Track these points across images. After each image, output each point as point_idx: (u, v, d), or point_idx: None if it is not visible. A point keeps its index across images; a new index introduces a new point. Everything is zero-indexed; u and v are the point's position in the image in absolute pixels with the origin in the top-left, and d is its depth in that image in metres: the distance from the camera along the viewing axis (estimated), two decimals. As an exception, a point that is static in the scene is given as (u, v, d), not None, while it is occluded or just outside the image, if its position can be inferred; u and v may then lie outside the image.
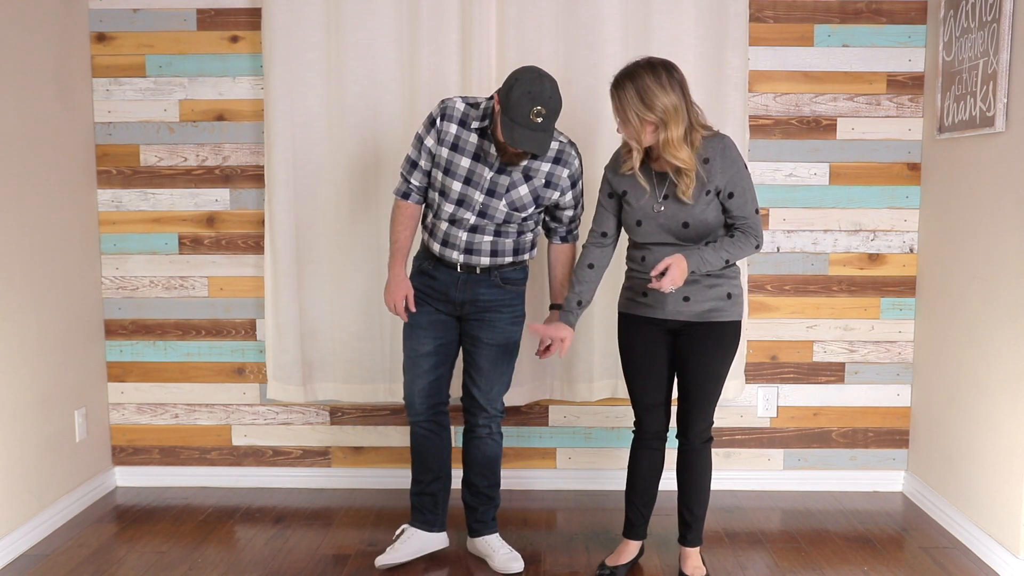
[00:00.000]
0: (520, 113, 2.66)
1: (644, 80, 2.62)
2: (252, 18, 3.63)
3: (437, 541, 3.14)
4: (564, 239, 3.06)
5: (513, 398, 3.65)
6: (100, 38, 3.67)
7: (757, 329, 3.76)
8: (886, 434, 3.81)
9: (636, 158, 2.71)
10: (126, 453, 3.88)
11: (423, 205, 3.02)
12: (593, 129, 3.49)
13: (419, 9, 3.48)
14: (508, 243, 2.95)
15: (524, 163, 2.86)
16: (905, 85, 3.65)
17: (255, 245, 3.76)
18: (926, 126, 3.63)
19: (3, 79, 3.11)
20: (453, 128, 2.86)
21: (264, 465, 3.87)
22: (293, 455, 3.87)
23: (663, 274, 2.63)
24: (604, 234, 2.90)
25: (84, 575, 3.02)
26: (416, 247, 3.14)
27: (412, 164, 2.94)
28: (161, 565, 3.10)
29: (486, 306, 2.97)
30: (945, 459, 3.47)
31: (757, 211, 2.75)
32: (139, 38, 3.66)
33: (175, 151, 3.73)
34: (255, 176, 3.72)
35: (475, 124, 2.85)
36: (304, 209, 3.62)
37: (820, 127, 3.67)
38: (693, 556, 2.98)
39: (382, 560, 3.04)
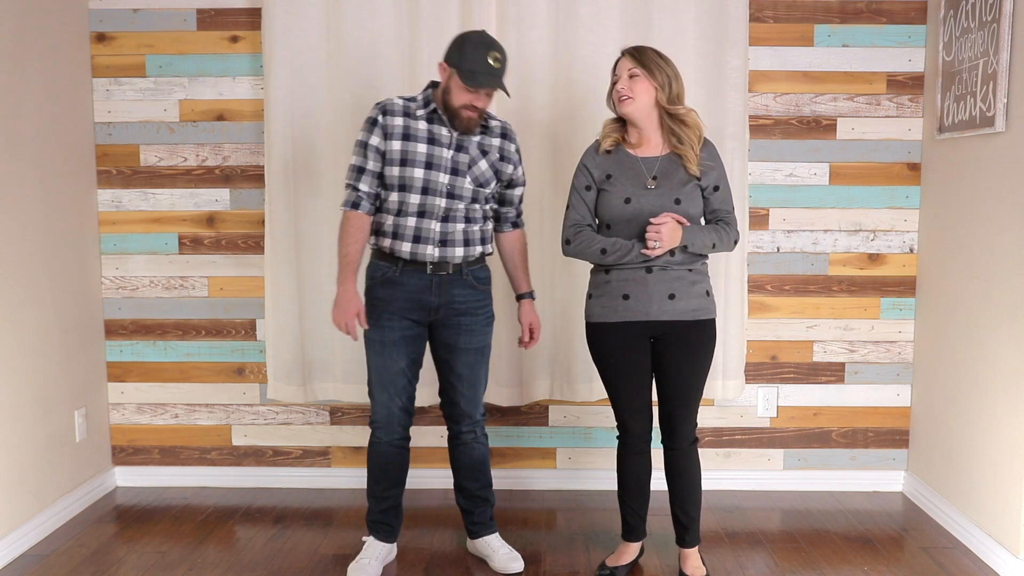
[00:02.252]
0: (479, 61, 2.79)
1: (655, 50, 2.83)
2: (252, 18, 3.63)
3: (393, 552, 3.13)
4: (515, 224, 3.07)
5: (512, 398, 3.66)
6: (100, 38, 3.67)
7: (757, 329, 3.76)
8: (886, 434, 3.81)
9: (643, 101, 2.75)
10: (126, 453, 3.88)
11: (372, 217, 2.93)
12: (593, 129, 3.48)
13: (419, 9, 3.48)
14: (476, 231, 2.94)
15: (478, 138, 2.91)
16: (905, 85, 3.65)
17: (255, 245, 3.76)
18: (926, 126, 3.63)
19: (3, 79, 3.11)
20: (399, 120, 2.87)
21: (264, 465, 3.87)
22: (293, 455, 3.87)
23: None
24: (588, 225, 2.84)
25: (84, 575, 3.02)
26: (366, 261, 3.04)
27: (359, 170, 2.89)
28: (161, 565, 3.10)
29: (462, 309, 2.94)
30: (945, 459, 3.47)
31: (734, 209, 2.90)
32: (139, 38, 3.66)
33: (175, 151, 3.73)
34: (255, 176, 3.72)
35: (420, 112, 2.89)
36: (304, 209, 3.63)
37: (820, 127, 3.67)
38: (692, 556, 2.97)
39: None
